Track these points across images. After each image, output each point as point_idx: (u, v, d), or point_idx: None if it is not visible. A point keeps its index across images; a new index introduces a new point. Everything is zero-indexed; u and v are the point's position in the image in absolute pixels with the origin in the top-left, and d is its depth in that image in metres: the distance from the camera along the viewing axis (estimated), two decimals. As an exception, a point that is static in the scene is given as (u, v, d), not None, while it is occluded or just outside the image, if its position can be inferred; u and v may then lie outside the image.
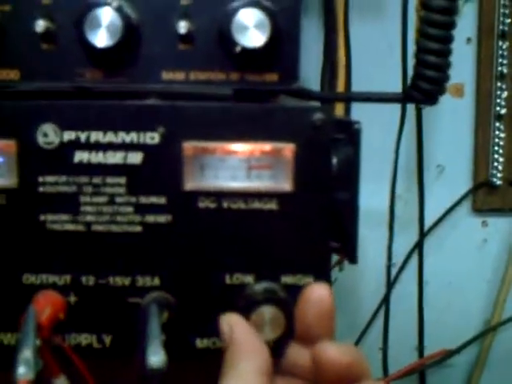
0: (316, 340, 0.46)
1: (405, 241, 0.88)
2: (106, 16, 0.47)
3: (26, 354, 0.44)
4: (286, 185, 0.49)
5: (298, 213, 0.50)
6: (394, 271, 0.89)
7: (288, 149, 0.49)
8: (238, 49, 0.47)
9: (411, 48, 0.82)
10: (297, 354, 0.49)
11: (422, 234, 0.87)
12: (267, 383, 0.44)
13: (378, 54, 0.84)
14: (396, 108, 0.83)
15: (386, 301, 0.88)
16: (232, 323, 0.46)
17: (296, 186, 0.49)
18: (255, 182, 0.49)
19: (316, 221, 0.50)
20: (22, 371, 0.42)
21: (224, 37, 0.48)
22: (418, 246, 0.87)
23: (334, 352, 0.43)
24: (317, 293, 0.47)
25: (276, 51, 0.49)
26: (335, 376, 0.43)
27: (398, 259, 0.88)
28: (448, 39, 0.56)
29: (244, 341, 0.45)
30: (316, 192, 0.50)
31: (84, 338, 0.51)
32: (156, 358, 0.42)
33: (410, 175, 0.87)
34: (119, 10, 0.47)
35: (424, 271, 0.88)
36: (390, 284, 0.88)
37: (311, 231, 0.50)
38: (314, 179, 0.49)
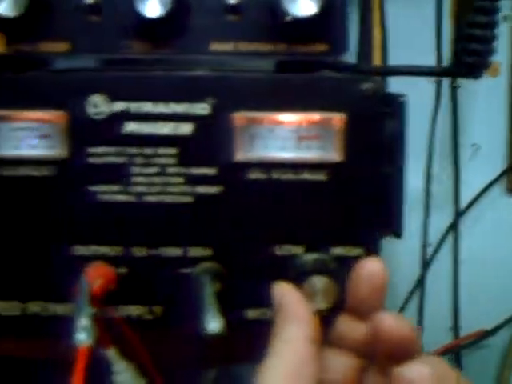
0: (367, 314, 0.46)
1: (440, 221, 0.87)
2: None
3: (84, 321, 0.44)
4: (335, 155, 0.49)
5: (347, 183, 0.49)
6: (429, 251, 0.88)
7: (337, 119, 0.49)
8: (288, 18, 0.47)
9: (446, 26, 0.81)
10: (346, 326, 0.49)
11: (458, 214, 0.87)
12: (315, 351, 0.44)
13: (412, 33, 0.83)
14: (431, 87, 0.83)
15: (421, 281, 0.88)
16: (283, 291, 0.46)
17: (346, 156, 0.49)
18: (304, 153, 0.49)
19: (365, 191, 0.50)
20: (81, 337, 0.43)
21: (273, 6, 0.48)
22: (454, 226, 0.87)
23: (393, 322, 0.43)
24: (371, 267, 0.46)
25: (325, 21, 0.49)
26: (392, 346, 0.43)
27: (433, 239, 0.88)
28: (494, 11, 0.55)
29: (294, 308, 0.45)
30: (366, 162, 0.49)
31: (135, 310, 0.51)
32: (214, 323, 0.43)
33: (445, 154, 0.86)
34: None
35: (459, 251, 0.88)
36: (426, 264, 0.87)
37: (360, 202, 0.50)
38: (363, 149, 0.49)
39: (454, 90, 0.83)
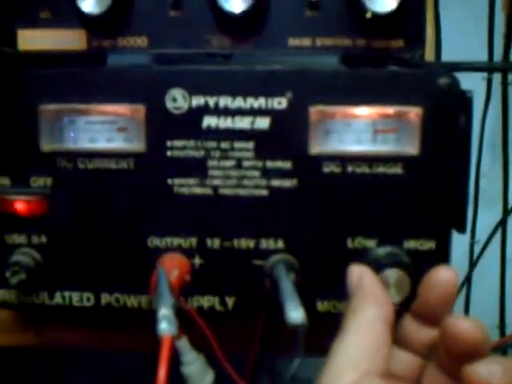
0: (435, 319, 0.46)
1: (488, 218, 0.87)
2: (236, -19, 0.48)
3: (166, 311, 0.44)
4: (411, 149, 0.50)
5: (422, 177, 0.50)
6: (476, 249, 0.88)
7: (414, 112, 0.49)
8: (368, 15, 0.48)
9: (498, 22, 0.82)
10: (412, 327, 0.49)
11: (506, 212, 0.87)
12: (389, 334, 0.44)
13: (464, 30, 0.83)
14: (481, 84, 0.83)
15: (468, 278, 0.88)
16: (362, 272, 0.46)
17: (422, 150, 0.49)
18: (380, 146, 0.50)
19: (439, 186, 0.50)
20: (165, 327, 0.43)
21: (352, 2, 0.49)
22: (502, 224, 0.87)
23: (467, 325, 0.43)
24: (444, 275, 0.46)
25: (403, 17, 0.49)
26: (465, 348, 0.43)
27: (480, 236, 0.88)
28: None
29: (374, 290, 0.45)
30: (441, 157, 0.50)
31: (207, 300, 0.51)
32: (297, 314, 0.43)
33: (495, 152, 0.86)
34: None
35: (507, 249, 0.88)
36: (473, 262, 0.88)
37: (434, 196, 0.50)
38: (439, 144, 0.50)
39: (504, 86, 0.83)
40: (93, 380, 0.73)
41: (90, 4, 0.48)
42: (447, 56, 0.79)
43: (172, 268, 0.50)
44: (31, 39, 0.52)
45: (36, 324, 0.58)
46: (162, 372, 0.43)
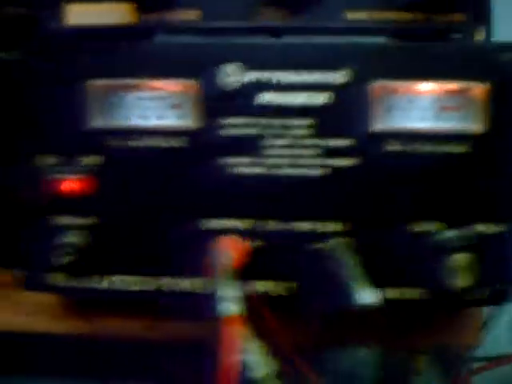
0: None
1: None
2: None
3: (227, 292, 0.43)
4: (477, 126, 0.47)
5: (489, 156, 0.47)
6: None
7: (479, 88, 0.47)
8: (430, -16, 0.45)
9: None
10: None
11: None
12: None
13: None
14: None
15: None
16: None
17: (488, 127, 0.47)
18: (445, 124, 0.47)
19: (507, 164, 0.47)
20: (230, 307, 0.41)
21: (414, -29, 0.46)
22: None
23: None
24: None
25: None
26: None
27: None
28: None
29: None
30: (508, 133, 0.47)
31: (264, 285, 0.49)
32: (368, 294, 0.41)
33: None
34: None
35: None
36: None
37: (504, 176, 0.47)
38: (506, 120, 0.47)
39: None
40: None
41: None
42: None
43: (228, 250, 0.47)
44: (79, 14, 0.50)
45: (83, 310, 0.56)
46: (231, 356, 0.41)
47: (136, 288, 0.50)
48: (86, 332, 0.56)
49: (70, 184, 0.49)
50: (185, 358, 0.61)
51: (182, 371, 0.64)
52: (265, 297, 0.49)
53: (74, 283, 0.51)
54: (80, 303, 0.57)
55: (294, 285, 0.49)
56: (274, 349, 0.48)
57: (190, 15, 0.49)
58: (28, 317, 0.57)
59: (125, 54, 0.48)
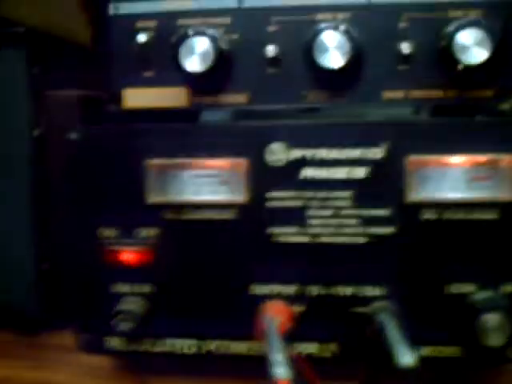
0: None
1: None
2: (334, 39, 0.50)
3: (279, 356, 0.46)
4: (506, 194, 0.51)
5: (518, 222, 0.51)
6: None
7: (507, 159, 0.51)
8: (460, 67, 0.50)
9: None
10: None
11: None
12: None
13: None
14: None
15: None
16: None
17: (516, 195, 0.51)
18: (475, 193, 0.51)
19: (536, 230, 0.51)
20: (281, 372, 0.45)
21: (444, 56, 0.51)
22: None
23: None
24: None
25: (494, 67, 0.51)
26: None
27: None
28: None
29: None
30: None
31: (311, 347, 0.53)
32: (408, 357, 0.44)
33: None
34: (347, 33, 0.50)
35: None
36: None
37: (532, 240, 0.51)
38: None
39: None
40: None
41: (193, 63, 0.51)
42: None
43: (276, 315, 0.51)
44: (135, 97, 0.55)
45: (138, 372, 0.60)
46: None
47: (190, 351, 0.54)
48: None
49: (129, 255, 0.53)
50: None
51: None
52: (309, 358, 0.52)
53: (132, 347, 0.54)
54: (133, 365, 0.60)
55: (338, 347, 0.52)
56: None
57: (238, 98, 0.53)
58: (81, 377, 0.60)
59: (179, 134, 0.53)
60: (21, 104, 0.60)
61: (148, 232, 0.53)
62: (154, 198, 0.53)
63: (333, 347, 0.53)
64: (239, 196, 0.52)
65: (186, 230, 0.53)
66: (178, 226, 0.53)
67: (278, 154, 0.52)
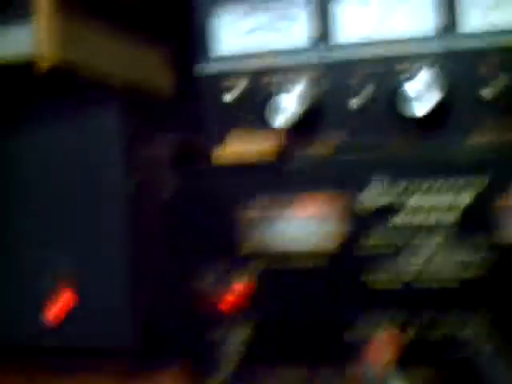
0: None
1: None
2: (417, 89, 0.52)
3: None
4: None
5: None
6: None
7: None
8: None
9: None
10: None
11: None
12: None
13: None
14: None
15: None
16: None
17: None
18: None
19: None
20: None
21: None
22: None
23: None
24: None
25: None
26: None
27: None
28: None
29: None
30: None
31: (419, 374, 0.53)
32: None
33: None
34: (429, 81, 0.52)
35: None
36: None
37: None
38: None
39: None
40: None
41: (281, 121, 0.54)
42: None
43: (377, 360, 0.52)
44: (224, 154, 0.58)
45: None
46: None
47: None
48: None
49: (226, 303, 0.55)
50: None
51: None
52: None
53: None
54: None
55: (446, 374, 0.53)
56: None
57: (325, 149, 0.55)
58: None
59: (268, 186, 0.55)
60: (113, 161, 0.63)
61: (244, 280, 0.55)
62: (247, 248, 0.55)
63: (441, 374, 0.53)
64: (330, 244, 0.54)
65: (279, 277, 0.55)
66: (272, 274, 0.55)
67: (367, 201, 0.53)
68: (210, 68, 0.60)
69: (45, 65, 0.60)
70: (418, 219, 0.52)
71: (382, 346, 0.52)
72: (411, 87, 0.52)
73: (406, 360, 0.52)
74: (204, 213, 0.56)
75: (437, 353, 0.53)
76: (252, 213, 0.55)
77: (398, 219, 0.53)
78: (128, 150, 0.64)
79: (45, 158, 0.65)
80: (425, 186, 0.52)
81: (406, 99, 0.52)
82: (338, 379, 0.54)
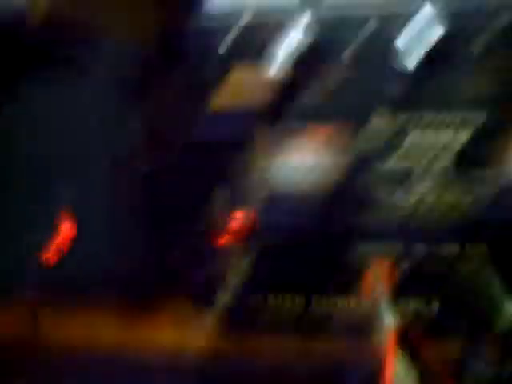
0: None
1: None
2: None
3: (385, 311, 0.48)
4: None
5: None
6: None
7: None
8: None
9: None
10: None
11: None
12: None
13: None
14: None
15: None
16: None
17: None
18: None
19: None
20: (388, 321, 0.46)
21: None
22: None
23: None
24: None
25: None
26: None
27: None
28: None
29: None
30: None
31: (412, 303, 0.54)
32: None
33: None
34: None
35: None
36: None
37: None
38: None
39: None
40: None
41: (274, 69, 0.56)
42: None
43: (382, 273, 0.53)
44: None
45: (239, 330, 0.59)
46: (389, 365, 0.46)
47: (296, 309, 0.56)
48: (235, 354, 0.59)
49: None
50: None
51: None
52: (413, 314, 0.53)
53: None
54: (234, 325, 0.59)
55: (440, 303, 0.54)
56: (423, 365, 0.52)
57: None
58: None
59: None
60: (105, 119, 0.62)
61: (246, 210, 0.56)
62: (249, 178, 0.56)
63: (435, 305, 0.54)
64: (332, 176, 0.55)
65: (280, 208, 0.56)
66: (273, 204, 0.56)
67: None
68: (205, 21, 0.61)
69: (38, 17, 0.59)
70: (416, 157, 0.53)
71: (375, 278, 0.53)
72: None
73: (399, 292, 0.53)
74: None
75: (430, 286, 0.54)
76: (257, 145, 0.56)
77: (397, 156, 0.54)
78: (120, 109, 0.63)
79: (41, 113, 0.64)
80: (425, 120, 0.53)
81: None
82: (332, 309, 0.55)
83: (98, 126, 0.61)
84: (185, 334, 0.59)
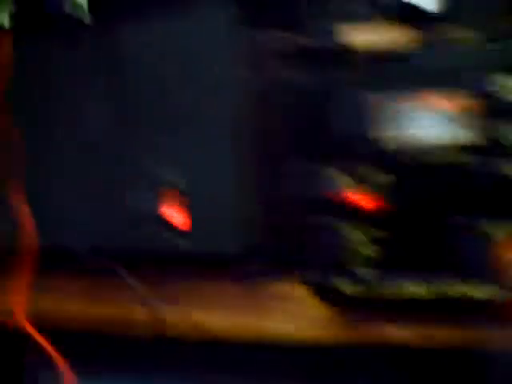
0: None
1: None
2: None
3: None
4: None
5: None
6: None
7: None
8: None
9: None
10: None
11: None
12: None
13: None
14: None
15: None
16: None
17: None
18: None
19: None
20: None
21: None
22: None
23: None
24: None
25: None
26: None
27: None
28: None
29: None
30: None
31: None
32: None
33: None
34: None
35: None
36: None
37: None
38: None
39: None
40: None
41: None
42: None
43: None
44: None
45: (349, 318, 0.59)
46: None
47: (418, 294, 0.54)
48: (353, 340, 0.58)
49: (365, 200, 0.54)
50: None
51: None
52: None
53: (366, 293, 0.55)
54: (346, 311, 0.59)
55: None
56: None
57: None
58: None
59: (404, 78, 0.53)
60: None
61: (381, 178, 0.54)
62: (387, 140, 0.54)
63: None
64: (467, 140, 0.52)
65: (419, 174, 0.53)
66: (412, 170, 0.53)
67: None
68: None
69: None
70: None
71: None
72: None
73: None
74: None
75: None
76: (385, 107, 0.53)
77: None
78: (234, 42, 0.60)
79: (152, 52, 0.63)
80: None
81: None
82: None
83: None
84: (298, 322, 0.59)
